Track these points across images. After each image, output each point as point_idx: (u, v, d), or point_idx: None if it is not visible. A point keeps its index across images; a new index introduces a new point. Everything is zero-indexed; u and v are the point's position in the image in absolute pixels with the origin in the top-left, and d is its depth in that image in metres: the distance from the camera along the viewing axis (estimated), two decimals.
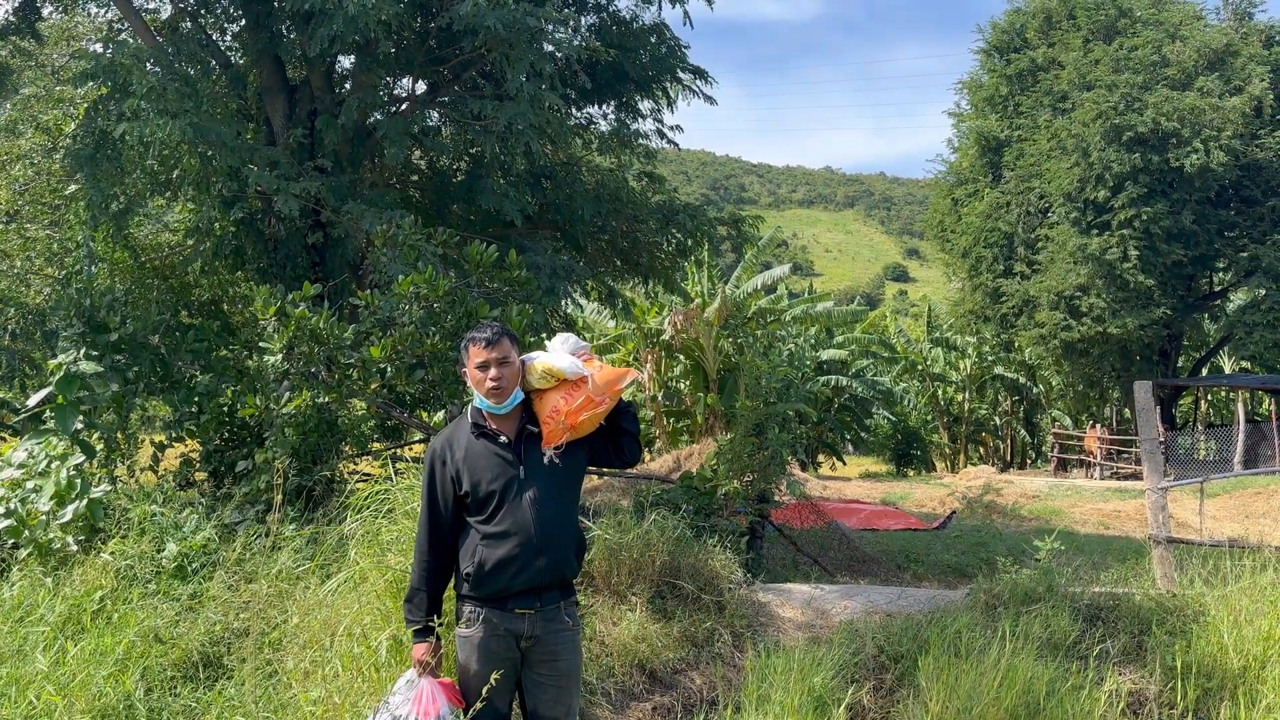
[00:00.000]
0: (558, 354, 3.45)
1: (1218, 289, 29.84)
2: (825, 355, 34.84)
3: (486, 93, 9.93)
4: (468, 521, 3.30)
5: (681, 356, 26.76)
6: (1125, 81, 25.27)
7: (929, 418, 42.31)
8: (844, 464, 39.80)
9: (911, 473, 37.70)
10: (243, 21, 10.85)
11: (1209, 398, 38.42)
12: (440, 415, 7.78)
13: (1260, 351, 27.48)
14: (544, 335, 12.04)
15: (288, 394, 6.33)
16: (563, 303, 11.90)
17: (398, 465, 6.53)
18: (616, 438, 3.50)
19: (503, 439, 3.32)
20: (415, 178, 12.43)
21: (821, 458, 38.42)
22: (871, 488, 23.38)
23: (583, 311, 23.12)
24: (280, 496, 5.52)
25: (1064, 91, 27.64)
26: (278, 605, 5.15)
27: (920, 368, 41.04)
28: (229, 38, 11.68)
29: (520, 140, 8.92)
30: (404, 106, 11.24)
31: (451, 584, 3.45)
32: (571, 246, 12.13)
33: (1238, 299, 28.92)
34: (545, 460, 3.32)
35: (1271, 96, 25.39)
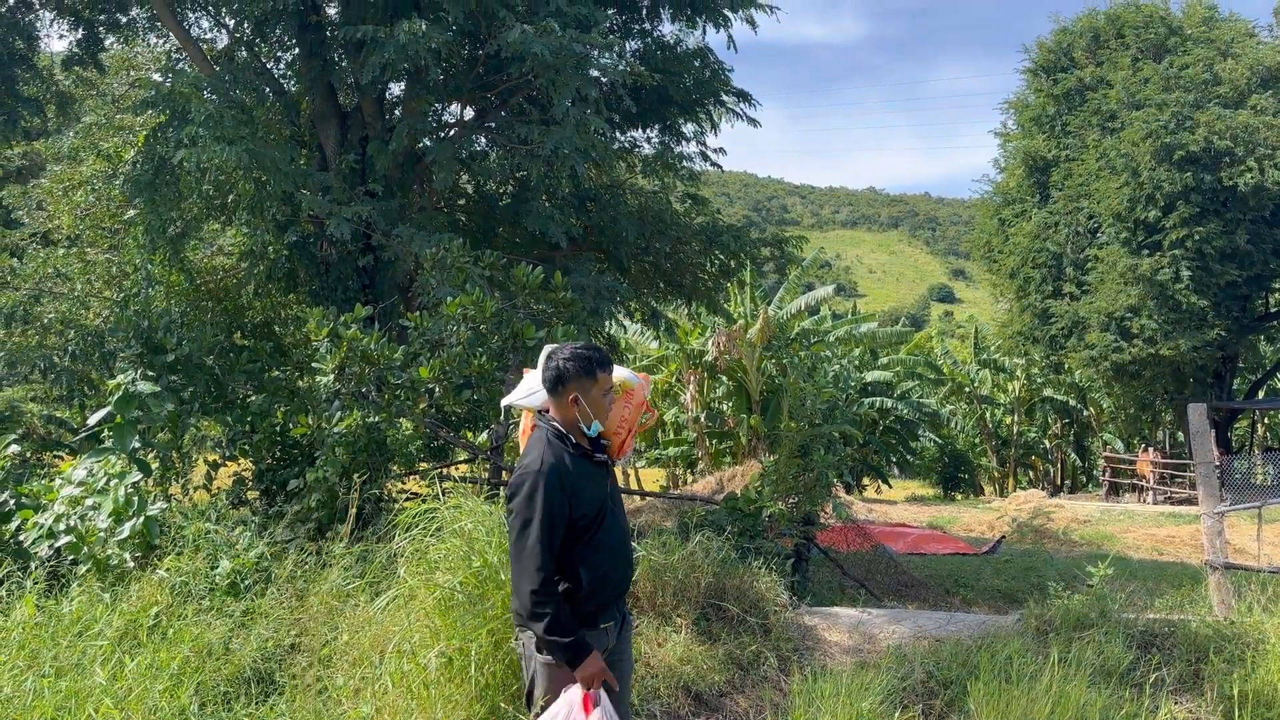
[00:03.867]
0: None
1: (1274, 310, 29.13)
2: (870, 377, 34.55)
3: (533, 118, 10.08)
4: (569, 544, 3.22)
5: (724, 377, 26.72)
6: (1176, 100, 24.89)
7: (976, 440, 41.69)
8: (890, 487, 39.34)
9: (959, 496, 37.15)
10: (296, 50, 11.14)
11: (1266, 421, 37.42)
12: (485, 435, 7.86)
13: None
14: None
15: (339, 414, 6.44)
16: (606, 323, 11.97)
17: (444, 485, 6.60)
18: None
19: (599, 457, 3.36)
20: (463, 201, 12.63)
21: (867, 481, 38.01)
22: (918, 511, 23.08)
23: (625, 332, 23.20)
24: (353, 510, 5.61)
25: (1113, 111, 27.27)
26: (328, 622, 5.23)
27: (967, 390, 40.50)
28: (282, 66, 12.00)
29: (565, 164, 9.04)
30: (453, 132, 11.44)
31: (520, 608, 3.22)
32: (615, 268, 12.22)
33: None
34: (619, 471, 3.50)
35: None
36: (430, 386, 6.58)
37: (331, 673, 4.80)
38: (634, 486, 27.37)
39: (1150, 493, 28.14)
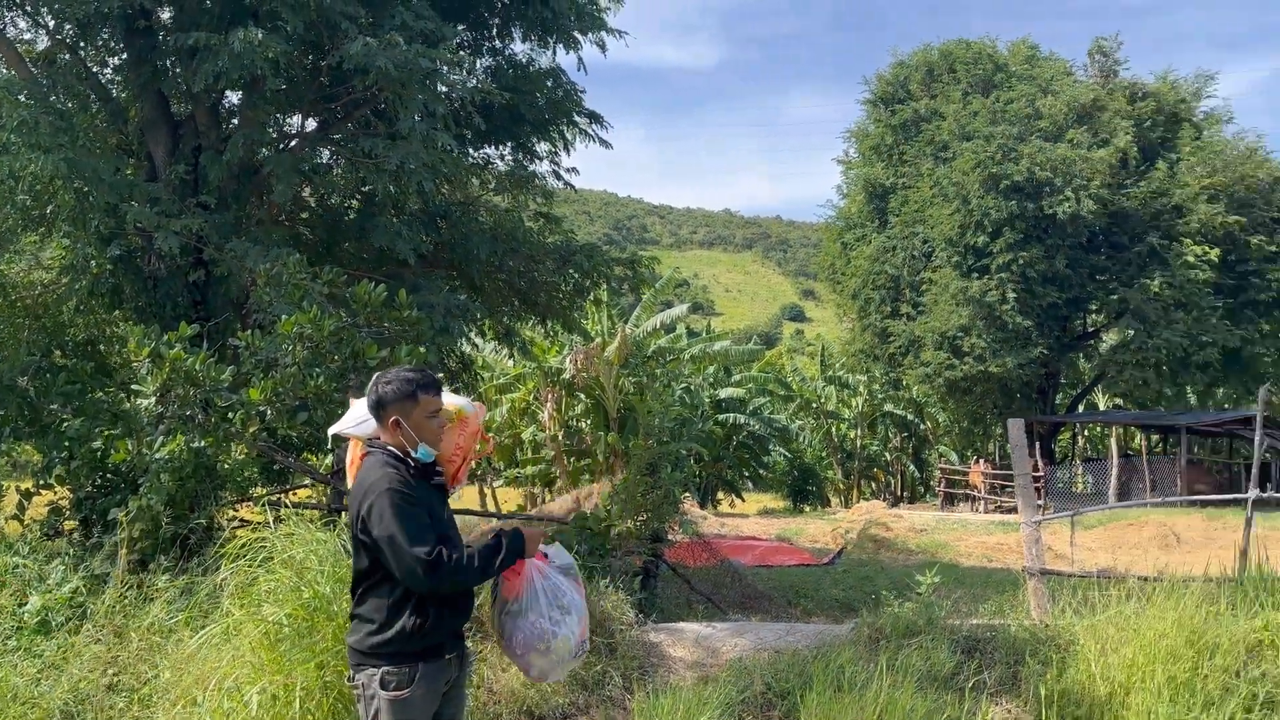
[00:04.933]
0: (454, 396, 3.47)
1: (1090, 330, 31.48)
2: (724, 393, 35.31)
3: (379, 131, 9.86)
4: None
5: (582, 395, 26.78)
6: (1002, 133, 26.67)
7: (823, 454, 43.22)
8: (743, 501, 40.23)
9: (807, 508, 38.34)
10: (124, 55, 10.53)
11: (1085, 433, 40.32)
12: (330, 459, 7.59)
13: (1130, 389, 29.10)
14: (440, 374, 11.87)
15: (161, 439, 6.08)
16: (458, 342, 11.80)
17: (280, 512, 6.33)
18: None
19: (437, 480, 3.30)
20: (305, 215, 12.21)
21: (720, 495, 38.77)
22: (768, 524, 23.69)
23: (479, 350, 22.95)
24: (178, 540, 5.28)
25: (945, 141, 29.00)
26: (148, 659, 4.93)
27: (815, 405, 41.94)
28: (110, 71, 11.31)
29: (413, 179, 8.87)
30: (294, 143, 11.06)
31: (362, 645, 3.13)
32: (468, 286, 12.07)
33: (1109, 339, 30.57)
34: (451, 499, 3.39)
35: (1135, 149, 27.13)
36: (261, 409, 6.30)
37: (151, 713, 4.54)
38: (490, 507, 27.00)
39: (982, 502, 29.81)
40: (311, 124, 11.24)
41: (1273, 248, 26.29)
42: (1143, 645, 5.36)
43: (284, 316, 6.59)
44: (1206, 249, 25.69)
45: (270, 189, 10.13)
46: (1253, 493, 7.06)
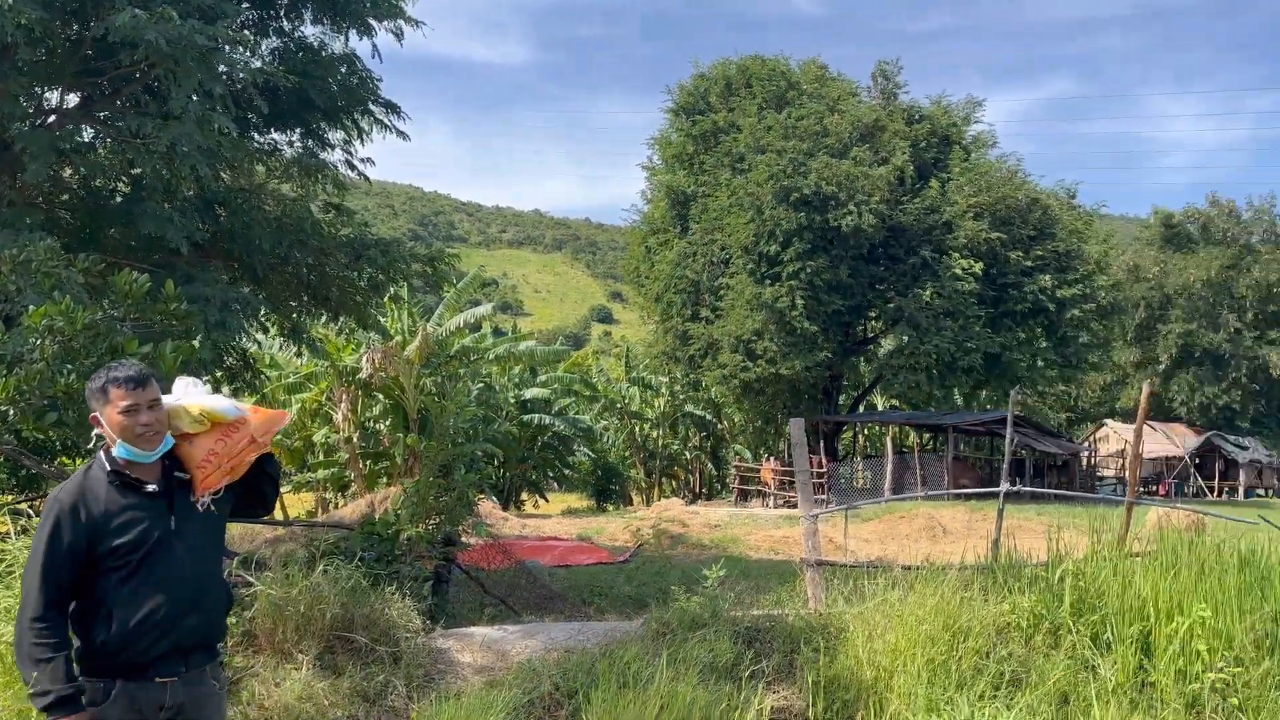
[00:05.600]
0: (214, 396, 3.23)
1: (870, 335, 33.63)
2: (529, 394, 35.20)
3: (150, 110, 9.14)
4: (97, 583, 2.91)
5: (380, 395, 25.92)
6: (793, 147, 28.03)
7: (626, 454, 43.96)
8: (547, 501, 40.26)
9: (610, 507, 38.84)
10: None
11: (865, 432, 43.01)
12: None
13: (904, 391, 31.35)
14: (217, 373, 11.10)
15: None
16: (239, 338, 11.12)
17: (22, 522, 5.74)
18: (258, 483, 3.30)
19: (150, 487, 3.01)
20: (65, 198, 11.15)
21: (524, 496, 38.63)
22: (571, 524, 23.80)
23: (261, 348, 21.74)
24: None
25: (741, 153, 30.17)
26: None
27: (619, 406, 42.57)
28: None
29: (187, 162, 8.28)
30: (52, 119, 10.08)
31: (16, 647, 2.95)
32: (250, 278, 11.39)
33: (886, 344, 32.77)
34: (200, 508, 3.07)
35: (912, 168, 29.22)
36: (3, 409, 5.68)
37: None
38: (277, 515, 25.63)
39: (771, 498, 31.20)
40: (73, 99, 10.29)
41: (1029, 263, 29.00)
42: (905, 630, 5.73)
43: (31, 307, 5.97)
44: (972, 262, 28.01)
45: (23, 168, 9.19)
46: (1004, 486, 7.73)
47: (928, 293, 27.92)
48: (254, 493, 3.30)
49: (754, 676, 5.55)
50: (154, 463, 3.05)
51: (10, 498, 7.29)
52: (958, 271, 27.89)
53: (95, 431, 3.08)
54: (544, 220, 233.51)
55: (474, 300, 30.00)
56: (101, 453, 3.04)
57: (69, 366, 5.83)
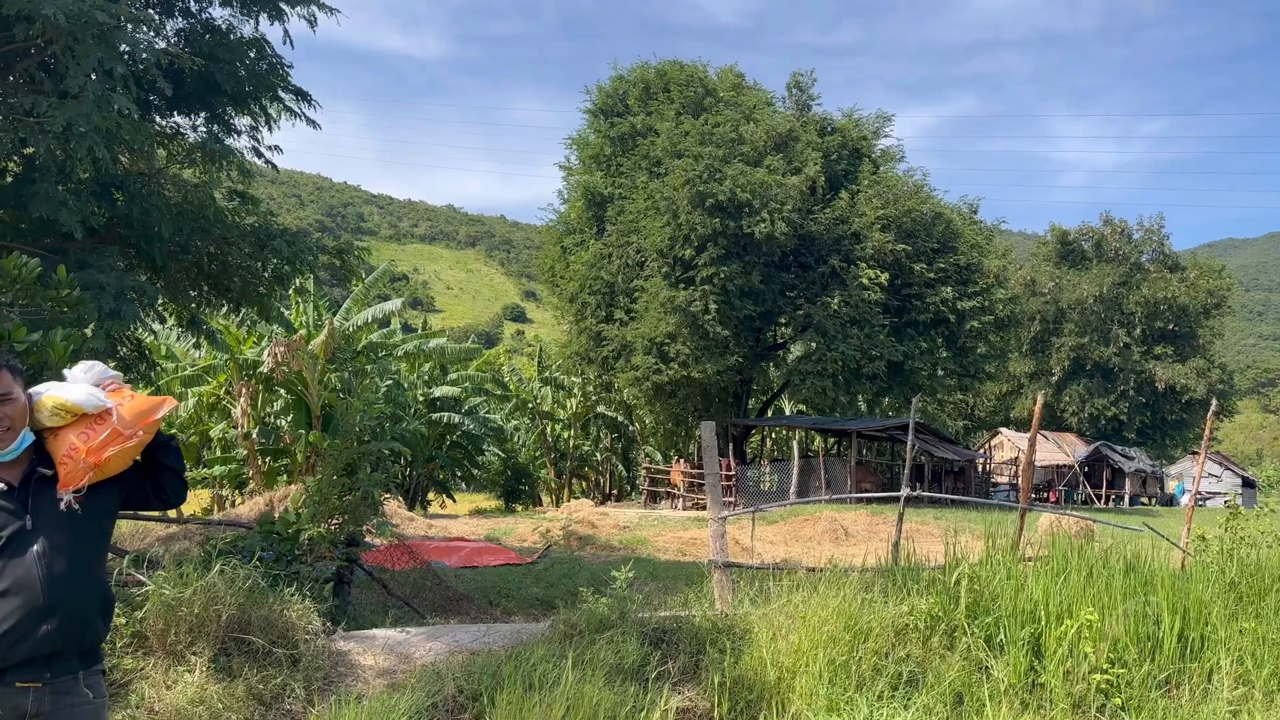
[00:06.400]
0: (73, 386, 3.02)
1: (780, 341, 34.19)
2: (438, 392, 34.69)
3: (46, 88, 8.70)
4: None
5: (282, 390, 25.17)
6: (709, 154, 28.32)
7: (537, 454, 43.73)
8: (454, 501, 39.75)
9: (520, 508, 38.59)
10: None
11: (773, 435, 43.72)
12: None
13: (811, 396, 31.92)
14: (111, 362, 10.67)
15: None
16: (134, 328, 10.67)
17: None
18: (155, 475, 3.14)
19: (1, 485, 2.86)
20: None
21: (432, 496, 38.06)
22: (479, 524, 23.54)
23: (157, 338, 20.91)
24: None
25: (659, 157, 30.34)
26: None
27: (531, 406, 42.32)
28: None
29: (83, 144, 7.90)
30: None
31: None
32: (148, 266, 10.94)
33: (795, 350, 33.38)
34: (62, 505, 2.89)
35: (823, 178, 29.82)
36: None
37: None
38: (170, 513, 24.66)
39: (681, 500, 31.44)
40: None
41: (931, 275, 29.90)
42: (808, 631, 5.85)
43: None
44: (878, 273, 28.74)
45: None
46: (905, 491, 7.94)
47: (836, 301, 28.53)
48: (151, 484, 3.15)
49: (660, 677, 5.58)
50: (17, 460, 2.91)
51: None
52: (864, 281, 28.57)
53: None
54: (458, 216, 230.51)
55: (383, 295, 29.44)
56: None
57: None
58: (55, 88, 8.69)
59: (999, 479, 40.90)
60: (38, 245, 9.48)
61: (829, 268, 29.29)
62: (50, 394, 2.98)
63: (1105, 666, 5.63)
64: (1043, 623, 5.99)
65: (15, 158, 10.19)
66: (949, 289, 29.68)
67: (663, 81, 33.07)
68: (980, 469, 36.57)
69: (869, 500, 22.62)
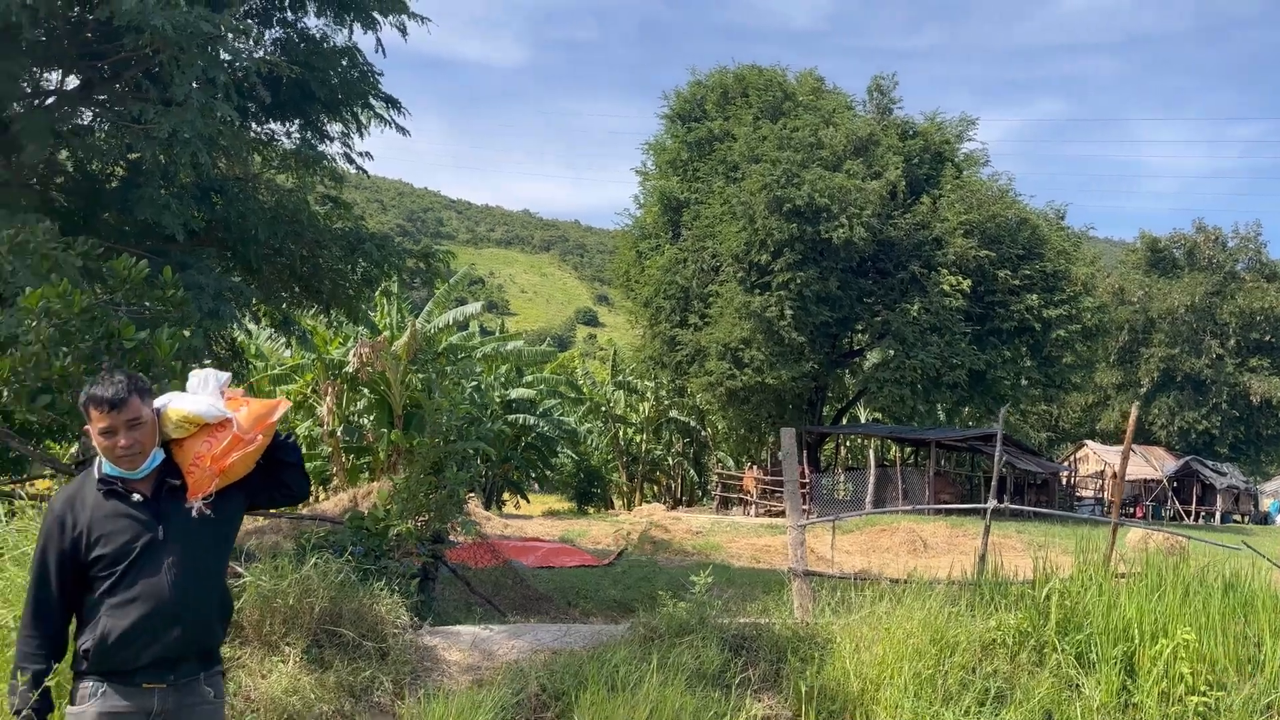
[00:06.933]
0: (195, 398, 3.12)
1: (856, 348, 33.76)
2: (514, 394, 35.15)
3: (151, 96, 9.09)
4: (90, 591, 2.93)
5: (366, 390, 25.81)
6: (787, 158, 28.12)
7: (610, 457, 43.94)
8: (528, 502, 40.22)
9: (591, 510, 38.84)
10: None
11: (848, 444, 43.17)
12: (76, 448, 6.93)
13: (889, 404, 31.46)
14: (206, 361, 11.10)
15: None
16: (230, 328, 11.07)
17: (15, 503, 5.70)
18: (277, 473, 3.25)
19: (136, 497, 2.97)
20: (61, 180, 11.08)
21: (507, 496, 38.57)
22: (553, 525, 23.77)
23: (251, 338, 21.60)
24: None
25: (736, 162, 30.23)
26: None
27: (604, 409, 42.57)
28: None
29: (186, 150, 8.24)
30: (51, 101, 10.02)
31: (68, 662, 3.02)
32: (243, 268, 11.35)
33: (872, 358, 32.89)
34: (194, 513, 3.00)
35: (904, 183, 29.37)
36: None
37: None
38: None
39: (753, 506, 31.25)
40: (73, 82, 10.24)
41: (1016, 282, 29.20)
42: (892, 644, 5.78)
43: (29, 289, 5.94)
44: (960, 279, 28.17)
45: (20, 148, 9.13)
46: (991, 503, 7.78)
47: (915, 308, 28.06)
48: (274, 481, 3.25)
49: (741, 684, 5.58)
50: (149, 473, 3.03)
51: None
52: (946, 288, 28.05)
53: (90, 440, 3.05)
54: (533, 220, 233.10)
55: (461, 299, 29.95)
56: (97, 460, 3.02)
57: (64, 350, 5.80)
58: (160, 95, 9.08)
59: (1083, 493, 39.69)
60: (140, 247, 9.90)
61: (909, 274, 28.82)
62: (174, 407, 3.07)
63: (1203, 689, 5.44)
64: (1136, 641, 5.82)
65: (122, 163, 10.67)
66: (1034, 296, 28.94)
67: (741, 86, 32.95)
68: (1064, 482, 35.56)
69: (948, 512, 22.18)
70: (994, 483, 8.09)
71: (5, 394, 5.79)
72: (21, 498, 6.36)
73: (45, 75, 10.51)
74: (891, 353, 29.00)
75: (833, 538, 10.07)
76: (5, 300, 6.91)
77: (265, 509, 3.50)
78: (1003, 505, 8.26)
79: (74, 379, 5.72)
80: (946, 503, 25.58)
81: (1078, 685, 5.66)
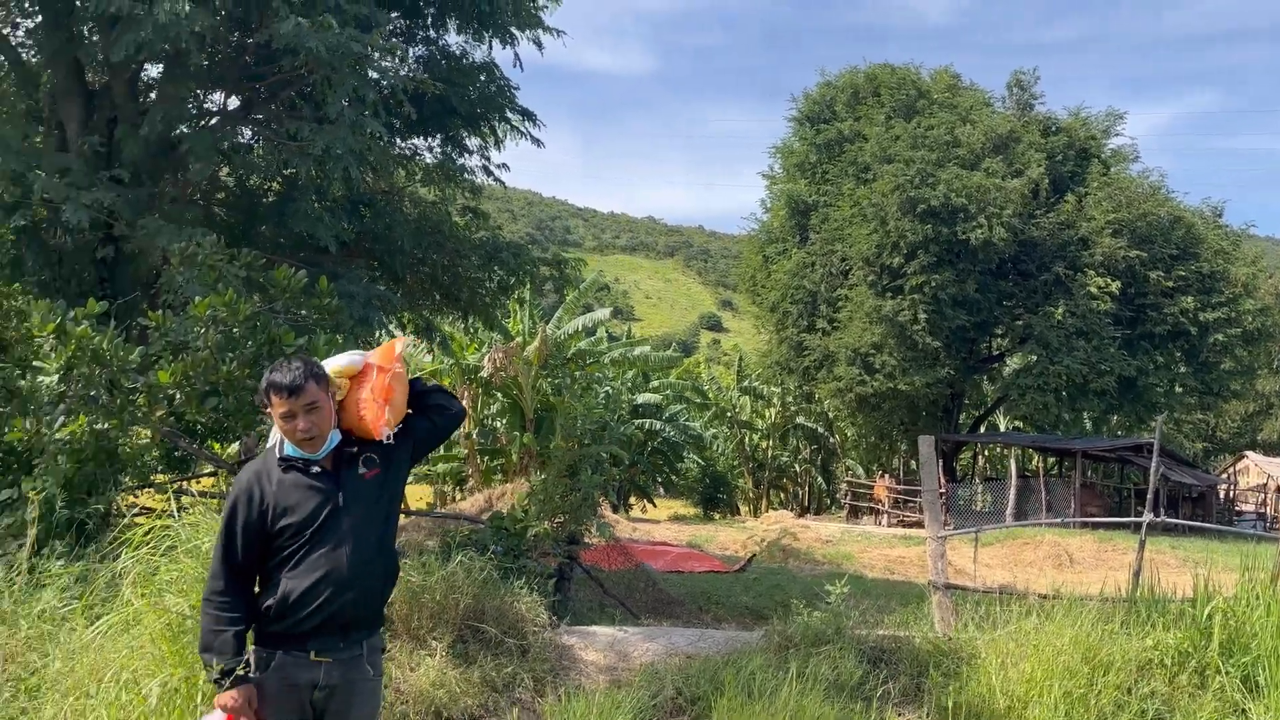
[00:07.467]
0: (338, 357, 3.40)
1: (996, 353, 32.54)
2: (641, 399, 35.43)
3: (305, 114, 9.62)
4: (273, 558, 3.12)
5: (499, 394, 26.52)
6: (921, 158, 27.39)
7: (735, 463, 43.72)
8: (654, 506, 40.42)
9: (717, 516, 38.73)
10: (39, 18, 10.07)
11: (986, 453, 41.66)
12: (235, 447, 7.36)
13: (1031, 412, 30.16)
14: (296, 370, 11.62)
15: (62, 418, 5.81)
16: (377, 334, 11.58)
17: (183, 499, 6.11)
18: (427, 400, 3.44)
19: (315, 469, 3.17)
20: (222, 196, 11.84)
21: (633, 500, 38.88)
22: (679, 530, 23.84)
23: (404, 346, 22.51)
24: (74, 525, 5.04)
25: (867, 163, 29.63)
26: (38, 649, 4.69)
27: (729, 414, 42.41)
28: (21, 33, 10.80)
29: (338, 165, 8.68)
30: (214, 121, 10.72)
31: None
32: (389, 277, 11.86)
33: (1013, 363, 31.65)
34: (364, 474, 3.20)
35: (1047, 181, 28.17)
36: (170, 393, 6.07)
37: (39, 704, 4.31)
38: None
39: (885, 516, 30.53)
40: (234, 102, 10.92)
41: (1169, 283, 27.59)
42: (1041, 660, 5.55)
43: (197, 298, 6.36)
44: (1108, 281, 26.81)
45: (186, 167, 9.81)
46: (1147, 516, 7.37)
47: (1060, 311, 26.85)
48: (432, 408, 3.44)
49: (881, 697, 5.46)
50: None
51: (164, 478, 7.76)
52: (1093, 290, 26.74)
53: (271, 424, 3.28)
54: (657, 227, 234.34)
55: (588, 305, 30.41)
56: (277, 442, 3.23)
57: (230, 355, 6.19)
58: (314, 114, 9.59)
59: (1244, 507, 37.10)
60: (295, 258, 10.46)
61: (1052, 275, 27.60)
62: (331, 367, 3.32)
63: None
64: None
65: (278, 179, 11.31)
66: (1190, 299, 27.27)
67: (872, 86, 32.30)
68: (1222, 496, 33.33)
69: (1095, 525, 21.13)
70: (1149, 495, 7.67)
71: (178, 396, 6.22)
72: (191, 494, 6.82)
73: (209, 97, 11.26)
74: (1034, 358, 27.82)
75: (975, 550, 9.75)
76: (176, 309, 7.43)
77: (434, 445, 3.67)
78: (1157, 519, 7.81)
79: (239, 382, 6.10)
80: (1093, 515, 24.37)
81: (1244, 710, 5.31)
